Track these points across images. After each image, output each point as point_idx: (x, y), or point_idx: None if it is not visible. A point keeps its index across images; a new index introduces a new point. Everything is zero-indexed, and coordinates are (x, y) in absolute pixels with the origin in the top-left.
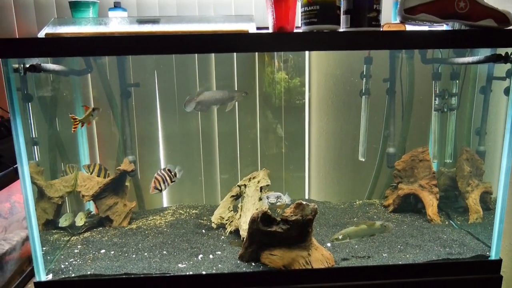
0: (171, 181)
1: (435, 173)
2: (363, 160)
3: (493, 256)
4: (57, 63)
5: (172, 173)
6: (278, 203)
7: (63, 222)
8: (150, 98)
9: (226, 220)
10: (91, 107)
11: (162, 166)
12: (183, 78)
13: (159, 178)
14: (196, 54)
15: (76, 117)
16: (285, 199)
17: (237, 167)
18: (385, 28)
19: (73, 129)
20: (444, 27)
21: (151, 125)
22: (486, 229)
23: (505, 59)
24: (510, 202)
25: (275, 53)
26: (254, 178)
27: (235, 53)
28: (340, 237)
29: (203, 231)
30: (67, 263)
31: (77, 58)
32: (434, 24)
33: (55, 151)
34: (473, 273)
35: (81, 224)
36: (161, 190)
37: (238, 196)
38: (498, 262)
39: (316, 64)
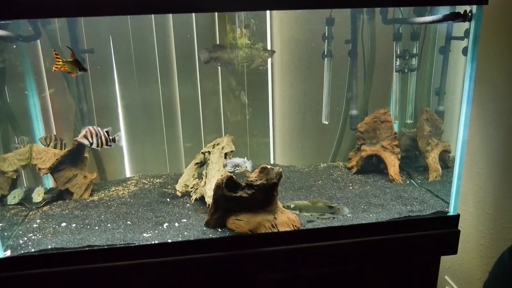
0: (106, 144)
1: (396, 134)
2: (327, 123)
3: (451, 211)
4: (1, 29)
5: (110, 137)
6: (237, 171)
7: (12, 199)
8: (106, 64)
9: (191, 188)
10: (79, 62)
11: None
12: (141, 43)
13: (93, 131)
14: (152, 17)
15: (60, 58)
16: (246, 165)
17: (201, 134)
18: None
19: (54, 68)
20: None
21: (109, 93)
22: (445, 186)
23: (463, 17)
24: (467, 159)
25: (237, 17)
26: (218, 144)
27: (194, 17)
28: (292, 206)
29: (168, 199)
30: (26, 238)
31: (24, 23)
32: None
33: (7, 124)
34: (433, 228)
35: (38, 201)
36: (91, 144)
37: (202, 163)
38: (456, 217)
39: (277, 28)
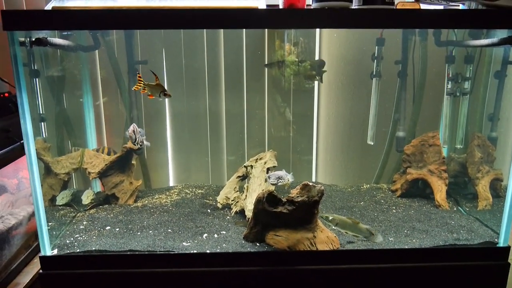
0: (139, 143)
1: (445, 159)
2: (372, 143)
3: (501, 243)
4: (64, 39)
5: (141, 141)
6: (280, 184)
7: (60, 200)
8: (158, 75)
9: (232, 200)
10: (164, 88)
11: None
12: (192, 55)
13: (137, 129)
14: (204, 32)
15: (142, 80)
16: (288, 178)
17: (244, 148)
18: (399, 6)
19: (135, 88)
20: (460, 6)
21: (159, 103)
22: (495, 216)
23: None
24: None
25: (286, 35)
26: (261, 159)
27: (244, 33)
28: (330, 218)
29: (209, 210)
30: (72, 239)
31: (85, 33)
32: (450, 3)
33: (62, 129)
34: (480, 259)
35: (87, 203)
36: (134, 140)
37: (244, 177)
38: (506, 249)
39: (326, 46)
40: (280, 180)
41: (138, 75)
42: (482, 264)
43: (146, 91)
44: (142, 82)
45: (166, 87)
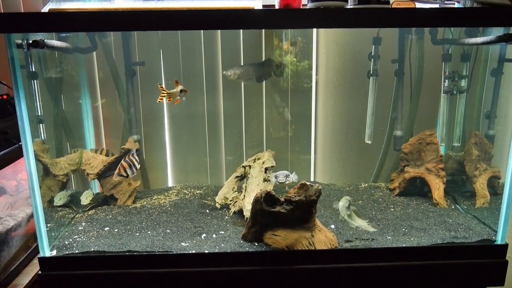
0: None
1: (442, 157)
2: (370, 142)
3: (499, 240)
4: (61, 40)
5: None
6: (287, 182)
7: (58, 201)
8: (156, 76)
9: (230, 201)
10: (181, 85)
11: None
12: (189, 56)
13: (126, 164)
14: (202, 33)
15: (165, 89)
16: (293, 177)
17: (243, 148)
18: (394, 5)
19: (159, 100)
20: (455, 4)
21: (156, 104)
22: (493, 213)
23: None
24: None
25: (283, 35)
26: (259, 159)
27: (241, 34)
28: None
29: (207, 211)
30: (71, 240)
31: (82, 35)
32: (445, 1)
33: (61, 130)
34: (479, 257)
35: (86, 203)
36: (126, 176)
37: (242, 177)
38: (504, 247)
39: (324, 45)
40: (288, 178)
41: (159, 85)
42: (480, 262)
43: (170, 99)
44: (165, 92)
45: (164, 86)
